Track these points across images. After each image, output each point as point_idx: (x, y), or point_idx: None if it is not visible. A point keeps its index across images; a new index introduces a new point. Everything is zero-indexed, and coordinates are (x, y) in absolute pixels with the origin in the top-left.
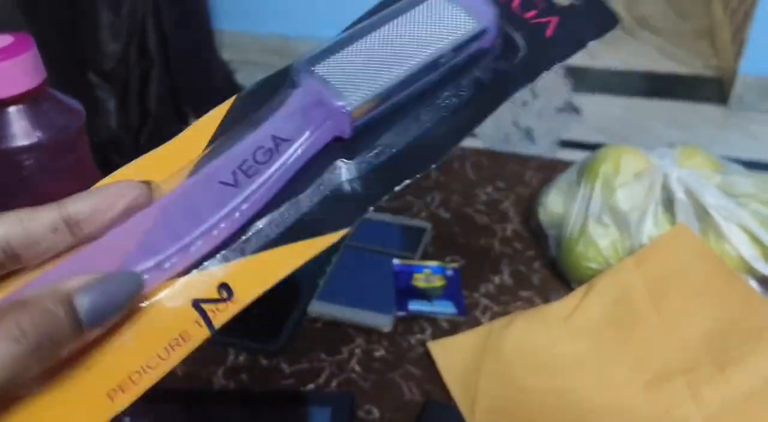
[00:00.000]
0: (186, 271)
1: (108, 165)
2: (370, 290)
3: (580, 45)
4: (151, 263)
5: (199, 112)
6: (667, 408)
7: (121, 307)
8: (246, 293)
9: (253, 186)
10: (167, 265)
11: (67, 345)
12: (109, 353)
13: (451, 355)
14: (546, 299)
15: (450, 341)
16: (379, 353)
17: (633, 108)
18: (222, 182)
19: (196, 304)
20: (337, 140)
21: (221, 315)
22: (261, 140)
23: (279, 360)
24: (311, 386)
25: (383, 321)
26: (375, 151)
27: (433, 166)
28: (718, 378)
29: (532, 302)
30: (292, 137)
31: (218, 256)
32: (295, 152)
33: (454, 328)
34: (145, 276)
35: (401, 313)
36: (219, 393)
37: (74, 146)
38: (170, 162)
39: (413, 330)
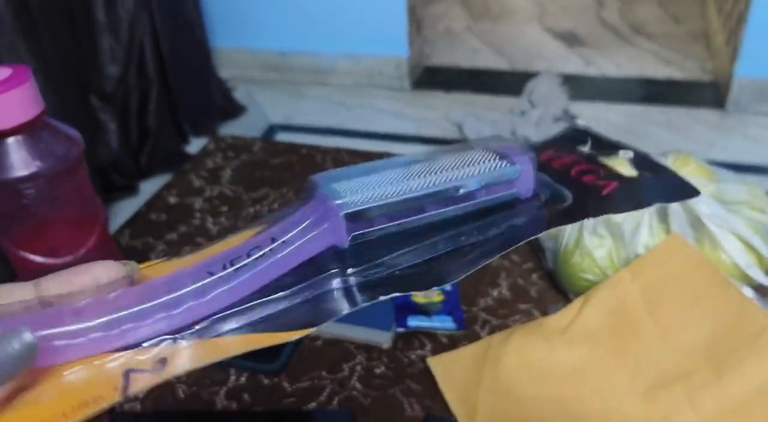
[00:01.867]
0: (138, 342)
1: (110, 185)
2: (369, 307)
3: (639, 205)
4: (105, 319)
5: (199, 130)
6: (665, 416)
7: (9, 372)
8: (176, 368)
9: (234, 276)
10: (126, 326)
11: None
12: (21, 402)
13: (450, 370)
14: (544, 312)
15: (449, 356)
16: (380, 369)
17: (630, 114)
18: (209, 272)
19: (127, 373)
20: (337, 249)
21: (141, 383)
22: (258, 242)
23: (280, 379)
24: (313, 404)
25: (383, 338)
26: (375, 268)
27: (435, 288)
28: (715, 385)
29: (530, 314)
30: (289, 239)
31: (175, 336)
32: (287, 252)
33: (453, 343)
34: (97, 334)
35: (401, 329)
36: (221, 414)
37: (73, 174)
38: None
39: (413, 346)
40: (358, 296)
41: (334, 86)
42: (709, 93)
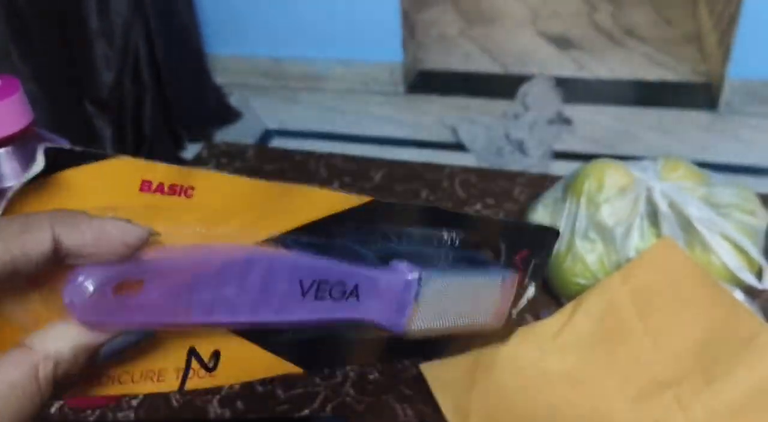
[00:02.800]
0: (214, 324)
1: None
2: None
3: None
4: (203, 300)
5: (194, 136)
6: (655, 421)
7: (126, 354)
8: (224, 377)
9: (313, 307)
10: (211, 310)
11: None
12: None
13: (443, 376)
14: (537, 316)
15: (441, 362)
16: (373, 376)
17: (623, 117)
18: (300, 282)
19: (190, 352)
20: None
21: (197, 382)
22: (347, 278)
23: (274, 386)
24: (306, 411)
25: None
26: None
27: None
28: (706, 389)
29: (522, 319)
30: (363, 299)
31: (239, 330)
32: (353, 309)
33: None
34: (191, 316)
35: None
36: None
37: None
38: (290, 201)
39: None
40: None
41: (329, 92)
42: (701, 95)
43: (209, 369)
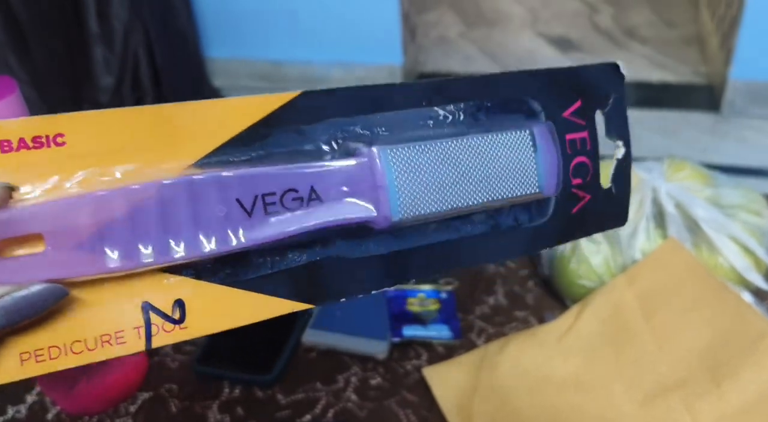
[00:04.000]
0: (157, 270)
1: None
2: (364, 316)
3: (582, 234)
4: (127, 248)
5: None
6: None
7: (34, 315)
8: (197, 327)
9: (266, 227)
10: (148, 258)
11: None
12: (40, 319)
13: (445, 380)
14: (541, 319)
15: (444, 365)
16: (375, 380)
17: None
18: (238, 200)
19: (146, 307)
20: (365, 222)
21: (165, 337)
22: (297, 183)
23: (274, 392)
24: (308, 416)
25: (378, 348)
26: (379, 242)
27: (413, 281)
28: (713, 392)
29: (527, 322)
30: (328, 202)
31: (192, 270)
32: (322, 219)
33: (449, 352)
34: (114, 263)
35: (396, 339)
36: None
37: None
38: (193, 125)
39: (409, 356)
40: (368, 278)
41: None
42: (703, 97)
43: (176, 322)
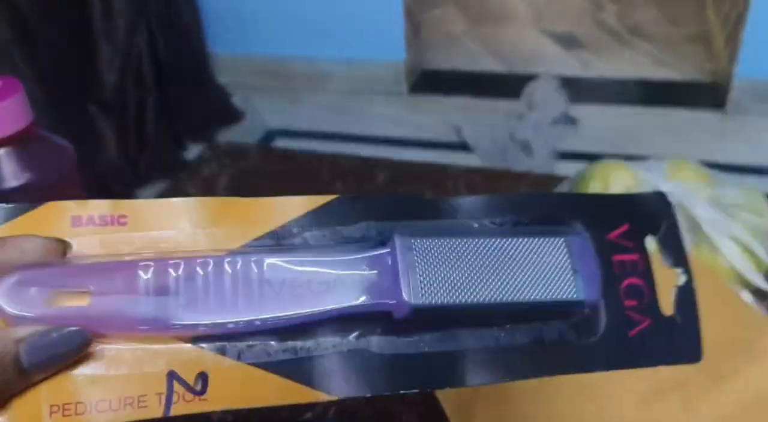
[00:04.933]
0: (185, 339)
1: (108, 193)
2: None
3: (638, 364)
4: (163, 314)
5: (197, 136)
6: None
7: (64, 361)
8: (217, 400)
9: (291, 308)
10: (179, 325)
11: (14, 387)
12: (70, 371)
13: None
14: None
15: None
16: None
17: (629, 117)
18: (269, 282)
19: (170, 376)
20: (387, 313)
21: (184, 406)
22: (325, 270)
23: None
24: (308, 414)
25: None
26: (409, 339)
27: (448, 387)
28: (712, 392)
29: None
30: (352, 288)
31: (218, 344)
32: (346, 304)
33: None
34: (148, 326)
35: None
36: None
37: (65, 185)
38: (238, 215)
39: None
40: (382, 378)
41: (332, 92)
42: (708, 95)
43: (197, 393)
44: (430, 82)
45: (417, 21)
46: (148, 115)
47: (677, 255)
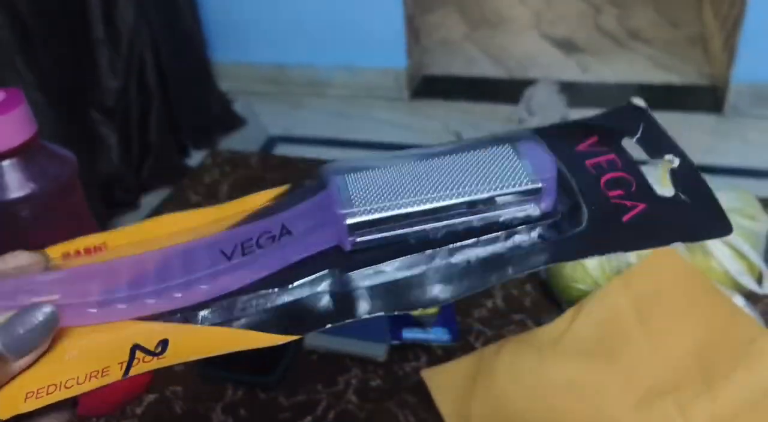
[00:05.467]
0: (151, 318)
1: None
2: (364, 320)
3: (659, 241)
4: (127, 293)
5: (199, 143)
6: None
7: (38, 339)
8: (173, 357)
9: (241, 262)
10: (142, 302)
11: None
12: (46, 361)
13: (443, 382)
14: (538, 322)
15: (442, 368)
16: (375, 382)
17: None
18: (222, 251)
19: (134, 348)
20: (338, 249)
21: (141, 366)
22: (270, 226)
23: (277, 394)
24: (309, 418)
25: (378, 351)
26: (371, 273)
27: (420, 309)
28: (706, 395)
29: (524, 325)
30: (296, 231)
31: (179, 315)
32: (291, 245)
33: (448, 355)
34: (116, 306)
35: (396, 342)
36: None
37: (68, 194)
38: (209, 223)
39: (408, 358)
40: (343, 308)
41: (333, 98)
42: (706, 98)
43: (155, 354)
44: (430, 87)
45: (417, 27)
46: (150, 122)
47: (663, 145)
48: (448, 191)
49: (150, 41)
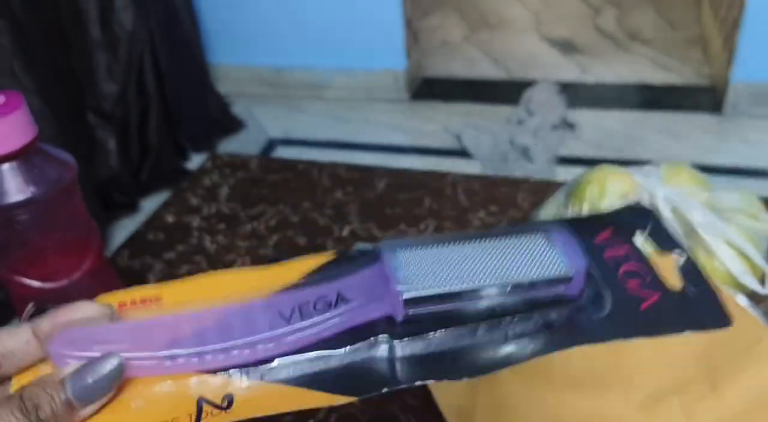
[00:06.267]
0: (213, 371)
1: (110, 203)
2: (414, 386)
3: (674, 330)
4: (191, 349)
5: (198, 146)
6: None
7: (104, 388)
8: (241, 411)
9: (301, 326)
10: (207, 357)
11: (65, 420)
12: (112, 409)
13: (446, 385)
14: None
15: None
16: None
17: (628, 121)
18: (280, 313)
19: (200, 401)
20: (390, 318)
21: (210, 420)
22: (326, 292)
23: None
24: (311, 421)
25: None
26: (420, 342)
27: (465, 378)
28: (711, 396)
29: None
30: (352, 299)
31: (242, 370)
32: (348, 310)
33: None
34: (180, 360)
35: None
36: None
37: (67, 198)
38: (259, 280)
39: None
40: (400, 372)
41: (332, 100)
42: (706, 98)
43: (223, 409)
44: (430, 89)
45: (416, 29)
46: (149, 125)
47: (669, 242)
48: (490, 273)
49: (148, 45)
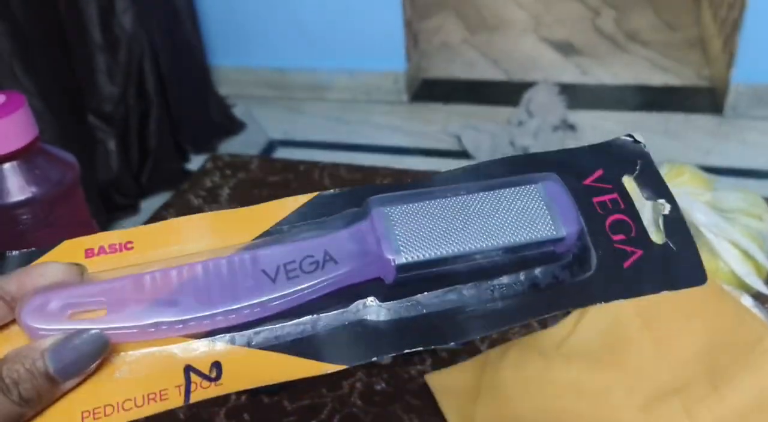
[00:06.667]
0: (197, 336)
1: (111, 204)
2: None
3: (639, 292)
4: (174, 317)
5: (199, 148)
6: None
7: (87, 364)
8: (232, 383)
9: (288, 289)
10: (191, 324)
11: (47, 396)
12: (96, 379)
13: (448, 386)
14: (543, 324)
15: (447, 371)
16: (380, 386)
17: (628, 122)
18: (264, 272)
19: (187, 369)
20: (379, 280)
21: (201, 393)
22: (313, 250)
23: (281, 398)
24: None
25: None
26: (407, 304)
27: (452, 343)
28: (713, 396)
29: (530, 326)
30: (341, 260)
31: (227, 336)
32: (337, 275)
33: (453, 358)
34: (164, 327)
35: None
36: None
37: (69, 198)
38: (233, 224)
39: (413, 362)
40: (388, 338)
41: (333, 101)
42: (706, 99)
43: (212, 380)
44: (430, 91)
45: (416, 30)
46: (150, 126)
47: (657, 188)
48: (483, 235)
49: (149, 47)
